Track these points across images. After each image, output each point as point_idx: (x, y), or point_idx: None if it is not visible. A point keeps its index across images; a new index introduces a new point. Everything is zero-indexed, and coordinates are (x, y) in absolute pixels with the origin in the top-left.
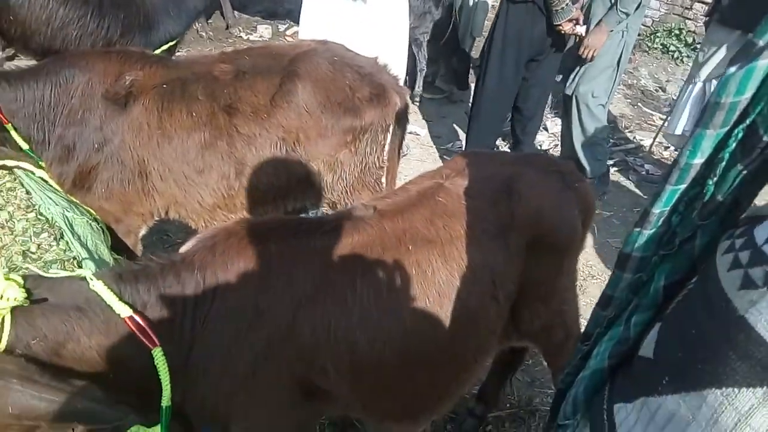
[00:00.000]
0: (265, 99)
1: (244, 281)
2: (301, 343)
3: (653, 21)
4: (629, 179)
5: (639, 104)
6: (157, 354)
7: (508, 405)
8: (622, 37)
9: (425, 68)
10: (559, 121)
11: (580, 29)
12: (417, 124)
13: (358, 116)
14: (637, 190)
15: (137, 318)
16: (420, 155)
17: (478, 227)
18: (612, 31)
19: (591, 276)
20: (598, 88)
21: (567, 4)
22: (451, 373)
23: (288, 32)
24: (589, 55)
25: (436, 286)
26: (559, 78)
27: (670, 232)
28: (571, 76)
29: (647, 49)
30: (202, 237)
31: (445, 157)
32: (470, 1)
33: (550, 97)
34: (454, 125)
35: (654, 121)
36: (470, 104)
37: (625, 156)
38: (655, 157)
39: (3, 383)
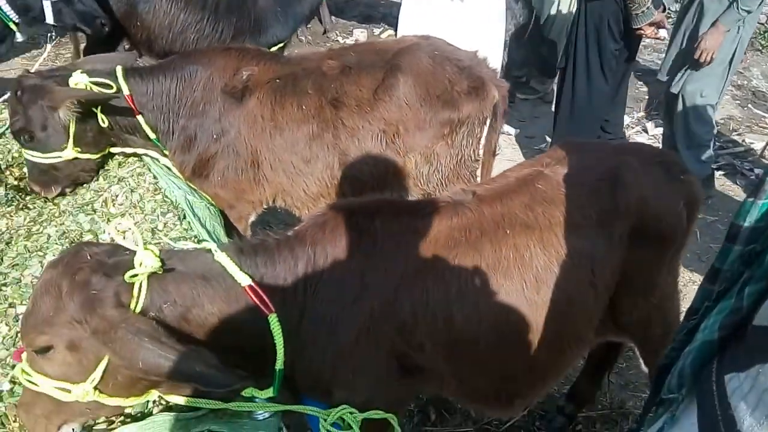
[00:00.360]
0: (368, 93)
1: (351, 257)
2: (401, 319)
3: None
4: (737, 184)
5: (749, 106)
6: (273, 320)
7: (599, 406)
8: (738, 32)
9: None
10: (658, 122)
11: (663, 32)
12: (510, 124)
13: (456, 109)
14: (744, 196)
15: (255, 287)
16: (512, 155)
17: (579, 215)
18: (728, 30)
19: (692, 281)
20: (707, 87)
21: (648, 8)
22: (546, 358)
23: (382, 35)
24: (707, 58)
25: (534, 271)
26: (664, 78)
27: None
28: (679, 74)
29: (760, 48)
30: (313, 215)
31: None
32: (563, 9)
33: (647, 98)
34: (548, 126)
35: (766, 124)
36: (555, 110)
37: (732, 159)
38: (767, 162)
39: (137, 340)
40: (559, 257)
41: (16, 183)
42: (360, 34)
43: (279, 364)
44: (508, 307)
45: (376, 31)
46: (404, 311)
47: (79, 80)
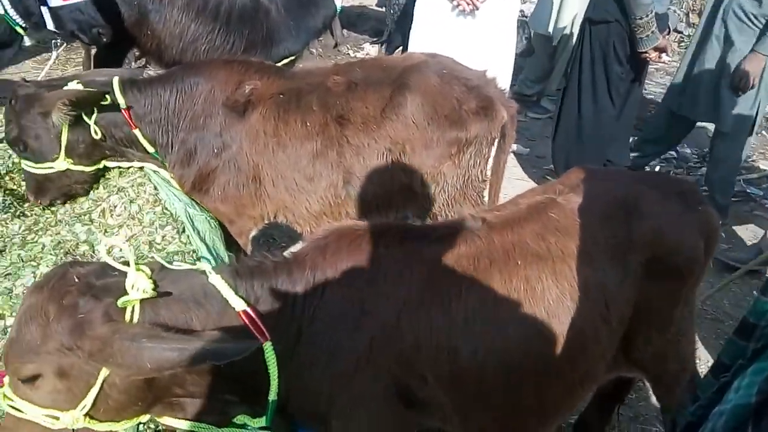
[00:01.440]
0: (375, 110)
1: (351, 282)
2: (403, 348)
3: None
4: (749, 211)
5: (763, 132)
6: (268, 348)
7: None
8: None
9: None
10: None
11: (666, 57)
12: (520, 144)
13: (463, 128)
14: (757, 224)
15: (251, 312)
16: (522, 175)
17: (593, 246)
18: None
19: (705, 311)
20: (742, 117)
21: (653, 32)
22: (555, 394)
23: None
24: (749, 84)
25: (545, 304)
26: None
27: None
28: (719, 111)
29: None
30: (314, 237)
31: (548, 177)
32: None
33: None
34: None
35: None
36: (554, 131)
37: (744, 186)
38: None
39: (137, 345)
40: (572, 290)
41: (14, 189)
42: (371, 48)
43: (272, 395)
44: (517, 341)
45: None
46: (406, 341)
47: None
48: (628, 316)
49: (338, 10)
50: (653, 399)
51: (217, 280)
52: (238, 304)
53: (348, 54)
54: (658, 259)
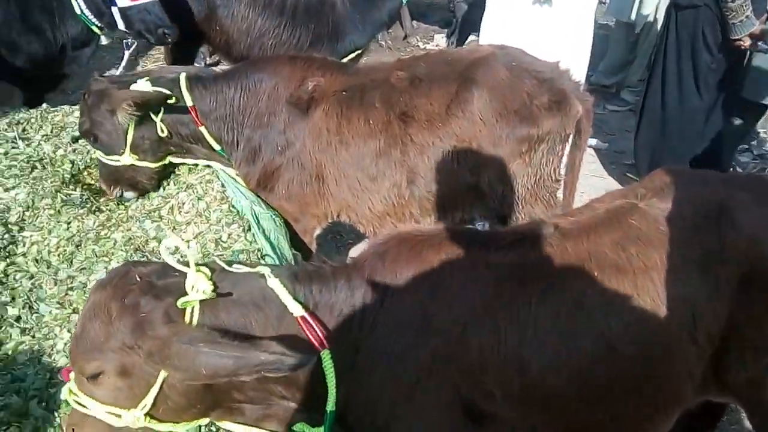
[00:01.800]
0: (440, 107)
1: (412, 290)
2: (468, 360)
3: None
4: None
5: None
6: (326, 357)
7: None
8: None
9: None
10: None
11: (765, 46)
12: (598, 138)
13: (535, 124)
14: None
15: (309, 318)
16: (601, 172)
17: (679, 257)
18: None
19: None
20: None
21: (747, 17)
22: (635, 417)
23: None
24: None
25: (625, 320)
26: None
27: None
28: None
29: None
30: (374, 242)
31: (628, 174)
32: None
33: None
34: None
35: None
36: (638, 126)
37: None
38: None
39: (194, 349)
40: (655, 305)
41: (92, 183)
42: (441, 39)
43: (330, 405)
44: (592, 358)
45: None
46: (471, 352)
47: (141, 87)
48: (719, 334)
49: (404, 1)
50: (747, 422)
51: (275, 284)
52: (297, 310)
53: (417, 45)
54: (754, 271)
